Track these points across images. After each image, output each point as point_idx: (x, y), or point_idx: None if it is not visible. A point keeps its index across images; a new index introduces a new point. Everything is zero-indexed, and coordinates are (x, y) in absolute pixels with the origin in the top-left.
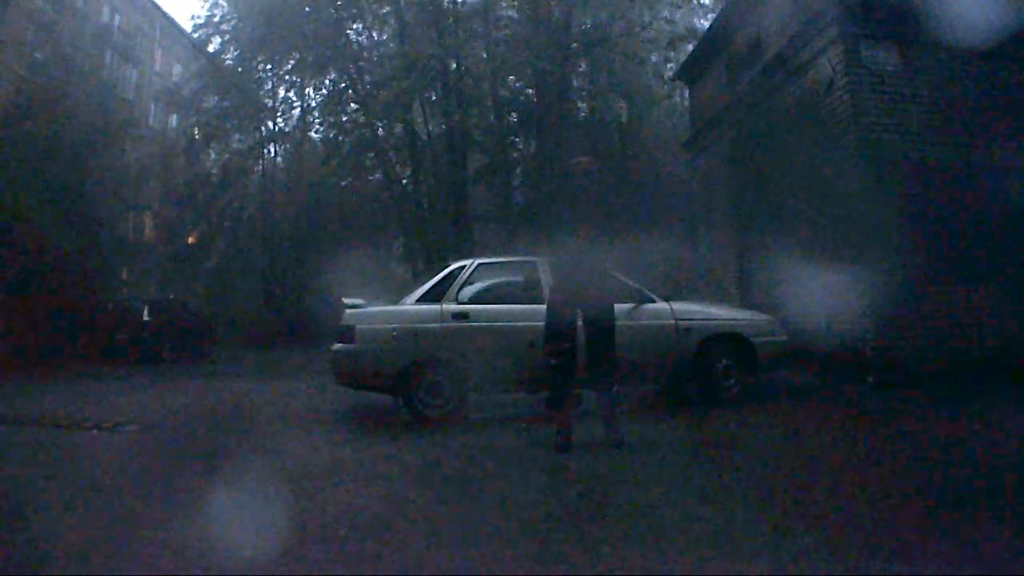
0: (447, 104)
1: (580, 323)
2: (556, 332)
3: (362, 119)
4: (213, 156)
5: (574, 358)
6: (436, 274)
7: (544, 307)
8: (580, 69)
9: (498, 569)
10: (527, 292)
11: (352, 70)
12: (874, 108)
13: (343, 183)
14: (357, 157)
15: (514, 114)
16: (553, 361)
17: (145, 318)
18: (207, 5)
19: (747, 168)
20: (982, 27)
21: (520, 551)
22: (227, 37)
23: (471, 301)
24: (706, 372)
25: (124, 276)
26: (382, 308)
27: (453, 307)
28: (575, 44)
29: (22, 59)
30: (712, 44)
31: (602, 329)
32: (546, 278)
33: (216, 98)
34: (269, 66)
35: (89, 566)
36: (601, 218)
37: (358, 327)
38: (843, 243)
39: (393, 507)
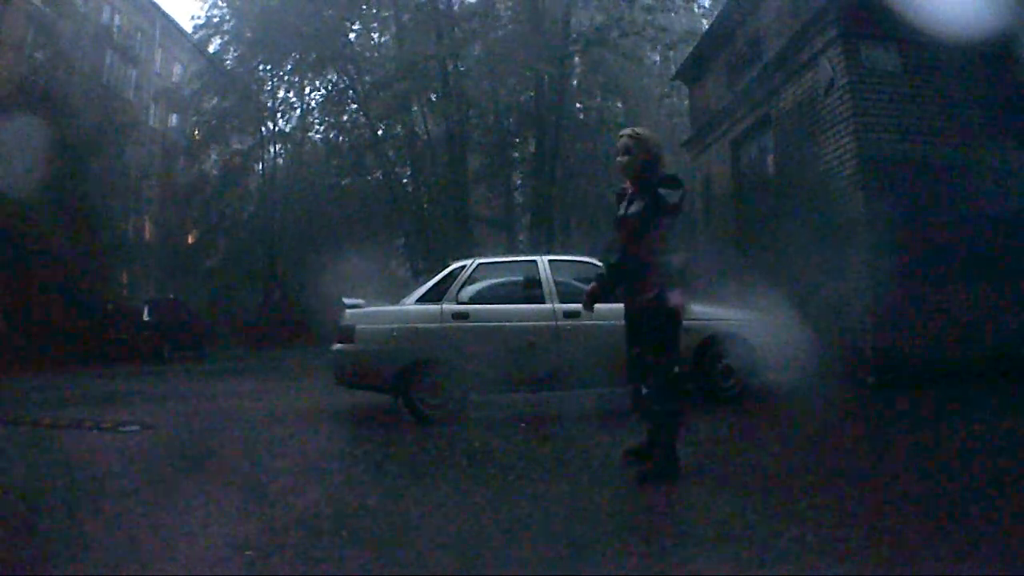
0: (447, 105)
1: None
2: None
3: (362, 119)
4: (213, 156)
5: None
6: (436, 274)
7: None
8: (579, 69)
9: (499, 570)
10: (527, 292)
11: (352, 70)
12: (874, 108)
13: (343, 183)
14: (357, 157)
15: (513, 114)
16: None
17: (145, 318)
18: (207, 6)
19: (746, 168)
20: (982, 27)
21: (520, 551)
22: (227, 38)
23: (471, 301)
24: (706, 372)
25: (124, 277)
26: (382, 308)
27: (453, 307)
28: (573, 45)
29: (22, 59)
30: (712, 44)
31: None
32: (547, 277)
33: (216, 98)
34: (269, 66)
35: (89, 566)
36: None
37: (358, 327)
38: (843, 243)
39: (395, 508)
